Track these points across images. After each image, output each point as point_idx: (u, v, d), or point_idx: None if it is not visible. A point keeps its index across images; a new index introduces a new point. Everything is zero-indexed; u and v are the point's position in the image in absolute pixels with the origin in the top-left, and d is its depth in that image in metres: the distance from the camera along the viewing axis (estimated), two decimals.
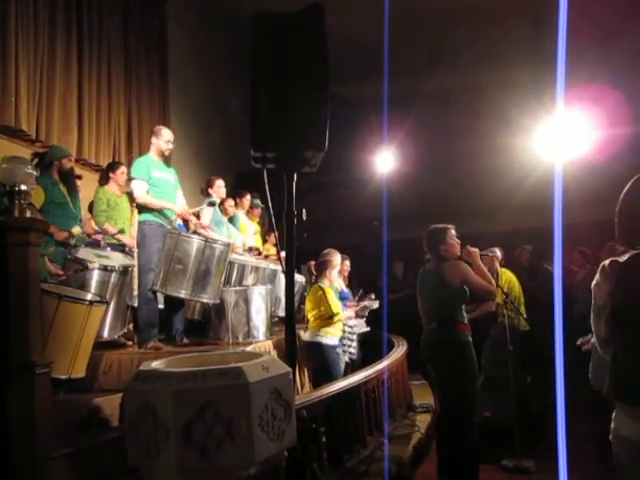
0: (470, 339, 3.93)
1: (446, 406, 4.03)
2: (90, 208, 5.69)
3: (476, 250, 4.09)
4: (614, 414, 1.98)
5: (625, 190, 2.05)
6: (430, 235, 4.08)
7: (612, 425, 1.99)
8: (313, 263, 5.46)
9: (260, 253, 6.48)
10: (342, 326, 5.46)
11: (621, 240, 2.07)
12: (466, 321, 3.97)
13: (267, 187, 2.16)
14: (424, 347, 4.04)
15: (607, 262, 2.00)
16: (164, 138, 4.84)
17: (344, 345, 5.57)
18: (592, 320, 2.06)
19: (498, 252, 6.00)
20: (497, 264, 5.87)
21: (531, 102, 8.30)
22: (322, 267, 5.46)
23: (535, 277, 6.35)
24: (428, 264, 4.13)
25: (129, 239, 5.23)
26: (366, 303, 6.25)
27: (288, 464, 1.99)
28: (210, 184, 6.02)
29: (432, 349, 3.96)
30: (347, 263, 6.73)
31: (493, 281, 4.08)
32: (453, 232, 4.06)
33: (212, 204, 5.50)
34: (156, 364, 1.71)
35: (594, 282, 2.03)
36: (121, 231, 5.15)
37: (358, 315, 6.05)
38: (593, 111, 6.91)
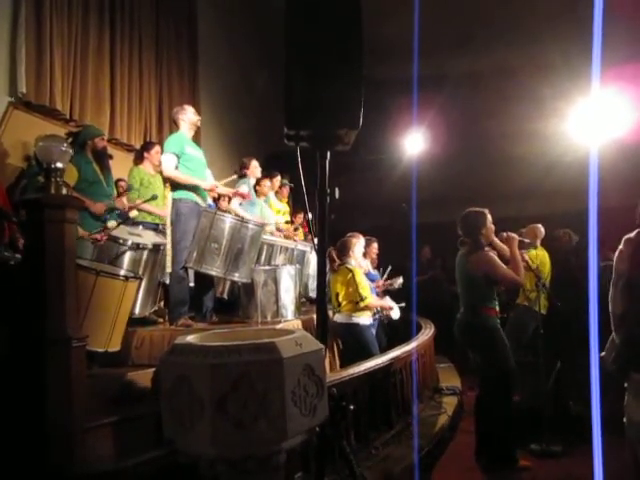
0: (497, 322, 3.94)
1: (484, 388, 4.06)
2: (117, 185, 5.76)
3: (515, 236, 4.02)
4: (625, 402, 1.98)
5: None
6: (469, 218, 4.01)
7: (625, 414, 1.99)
8: (332, 249, 5.38)
9: (287, 237, 6.50)
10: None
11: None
12: (494, 305, 3.94)
13: (300, 166, 2.14)
14: (456, 331, 4.08)
15: (633, 234, 2.12)
16: (190, 111, 4.82)
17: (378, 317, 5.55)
18: (610, 296, 2.08)
19: (542, 228, 5.94)
20: (539, 238, 5.82)
21: (565, 84, 8.11)
22: (343, 248, 5.34)
23: (573, 262, 6.20)
24: (462, 248, 4.07)
25: (161, 209, 5.21)
26: (389, 281, 6.28)
27: (318, 440, 2.01)
28: (246, 165, 6.04)
29: (462, 334, 4.04)
30: (375, 245, 6.69)
31: (523, 270, 4.03)
32: (489, 216, 4.02)
33: None
34: (190, 338, 1.73)
35: (617, 251, 2.09)
36: (153, 197, 5.13)
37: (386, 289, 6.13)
38: (630, 92, 6.73)
